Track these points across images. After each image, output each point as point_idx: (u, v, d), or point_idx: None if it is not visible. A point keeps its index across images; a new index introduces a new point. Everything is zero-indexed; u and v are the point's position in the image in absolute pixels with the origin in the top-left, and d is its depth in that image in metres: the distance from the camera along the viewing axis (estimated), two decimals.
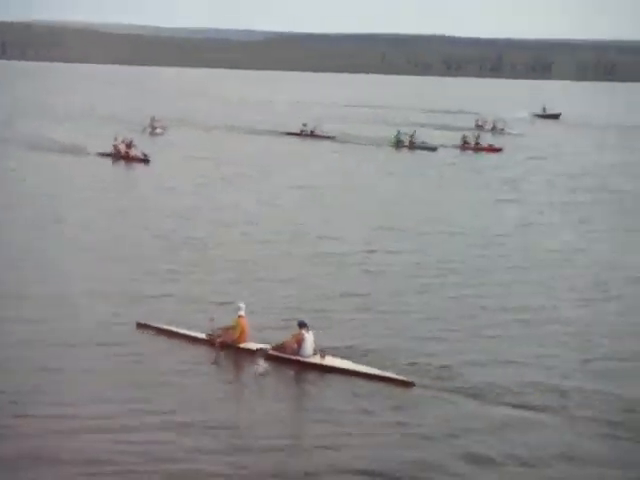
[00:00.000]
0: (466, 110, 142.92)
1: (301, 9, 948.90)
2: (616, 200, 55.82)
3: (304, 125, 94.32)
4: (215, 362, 24.04)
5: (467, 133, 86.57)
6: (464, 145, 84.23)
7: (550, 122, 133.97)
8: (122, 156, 66.62)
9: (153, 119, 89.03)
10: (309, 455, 18.71)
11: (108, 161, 67.36)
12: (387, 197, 55.27)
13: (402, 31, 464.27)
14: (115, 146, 67.25)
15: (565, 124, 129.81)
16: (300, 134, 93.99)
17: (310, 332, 23.37)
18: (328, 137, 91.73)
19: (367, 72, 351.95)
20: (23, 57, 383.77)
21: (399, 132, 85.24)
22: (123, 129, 79.47)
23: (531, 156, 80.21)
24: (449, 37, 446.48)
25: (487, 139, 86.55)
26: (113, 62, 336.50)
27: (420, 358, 24.16)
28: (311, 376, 23.23)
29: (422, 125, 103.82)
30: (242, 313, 24.08)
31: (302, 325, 23.50)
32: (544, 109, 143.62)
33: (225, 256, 36.38)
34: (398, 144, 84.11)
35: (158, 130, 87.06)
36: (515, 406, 21.39)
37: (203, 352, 24.56)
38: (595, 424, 20.45)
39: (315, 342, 23.48)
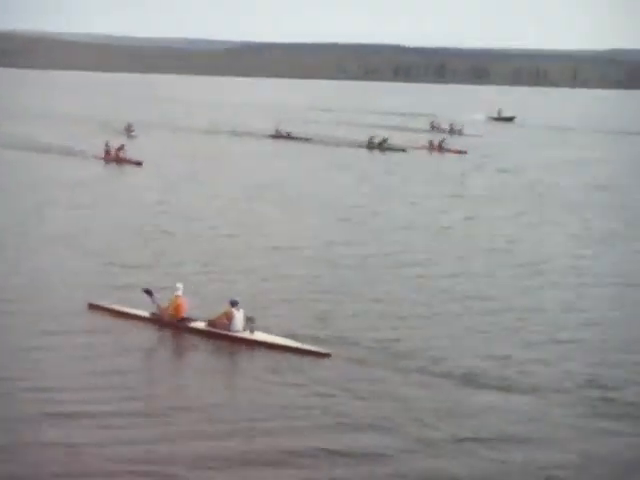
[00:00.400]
0: (420, 112, 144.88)
1: (259, 21, 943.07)
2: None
3: (276, 130, 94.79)
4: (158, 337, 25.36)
5: (432, 136, 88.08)
6: (431, 147, 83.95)
7: (505, 124, 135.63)
8: (114, 158, 66.21)
9: (129, 124, 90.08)
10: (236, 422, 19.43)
11: (101, 163, 67.13)
12: (352, 191, 56.97)
13: (355, 41, 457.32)
14: (107, 149, 67.18)
15: (520, 126, 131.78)
16: (277, 136, 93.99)
17: (240, 310, 24.18)
18: (305, 139, 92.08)
19: (323, 78, 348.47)
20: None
21: (372, 136, 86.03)
22: (100, 131, 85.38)
23: (489, 156, 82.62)
24: (398, 46, 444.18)
25: (448, 141, 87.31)
26: (83, 69, 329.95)
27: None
28: (240, 349, 24.19)
29: (381, 127, 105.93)
30: (179, 293, 25.03)
31: (233, 303, 24.36)
32: (499, 112, 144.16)
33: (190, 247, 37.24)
34: (371, 145, 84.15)
35: (133, 133, 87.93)
36: (420, 371, 22.76)
37: (148, 328, 25.63)
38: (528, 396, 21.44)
39: (246, 319, 24.23)
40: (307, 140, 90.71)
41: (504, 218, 47.82)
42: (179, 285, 25.09)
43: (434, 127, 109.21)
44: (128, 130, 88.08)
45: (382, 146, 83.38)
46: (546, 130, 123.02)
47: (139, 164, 64.70)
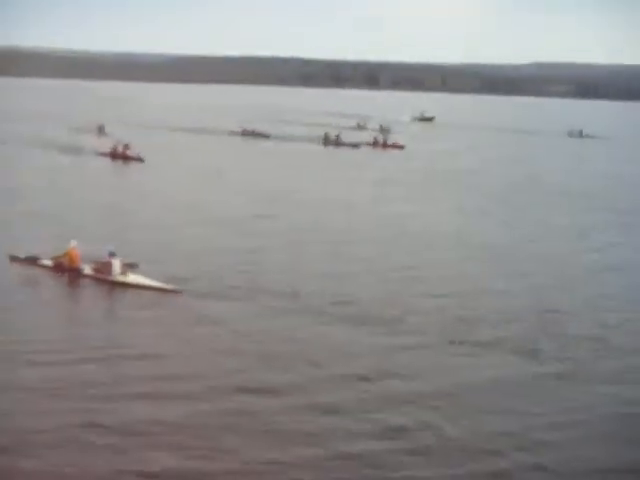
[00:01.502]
0: (348, 114, 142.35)
1: (198, 35, 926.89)
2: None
3: (243, 128, 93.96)
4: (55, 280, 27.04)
5: (377, 134, 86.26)
6: (375, 143, 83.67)
7: (427, 124, 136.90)
8: (120, 155, 64.25)
9: (101, 125, 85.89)
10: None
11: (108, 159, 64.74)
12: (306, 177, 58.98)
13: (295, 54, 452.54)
14: (114, 148, 65.01)
15: (438, 125, 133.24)
16: (243, 133, 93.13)
17: (117, 259, 26.41)
18: (266, 135, 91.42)
19: (266, 85, 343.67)
20: None
21: (327, 132, 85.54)
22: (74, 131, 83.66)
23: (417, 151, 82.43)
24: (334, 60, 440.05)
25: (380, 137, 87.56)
26: (59, 77, 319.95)
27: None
28: (119, 290, 26.04)
29: (328, 125, 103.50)
30: (72, 245, 27.20)
31: (111, 254, 26.57)
32: (422, 114, 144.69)
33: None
34: (326, 142, 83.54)
35: (107, 131, 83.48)
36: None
37: (51, 274, 27.43)
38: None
39: (128, 265, 26.67)
40: (269, 137, 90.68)
41: (403, 198, 50.23)
42: (73, 241, 27.32)
43: (360, 125, 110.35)
44: (100, 130, 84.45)
45: (337, 142, 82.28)
46: (456, 128, 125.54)
47: (142, 160, 62.63)
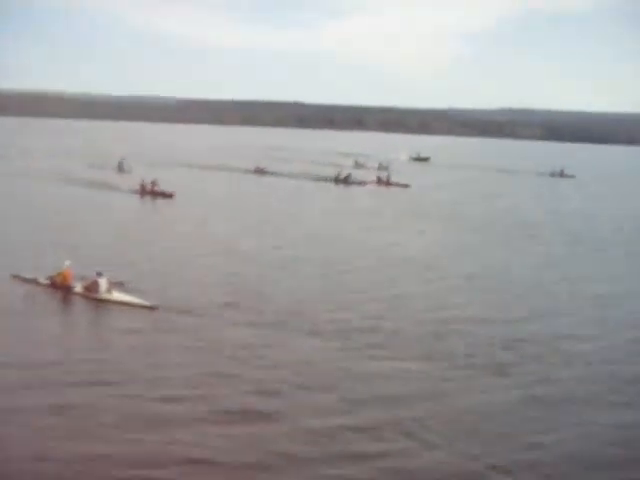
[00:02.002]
0: (344, 152, 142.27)
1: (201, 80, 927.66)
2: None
3: (256, 167, 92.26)
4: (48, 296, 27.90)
5: (380, 172, 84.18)
6: (379, 181, 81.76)
7: (423, 163, 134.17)
8: (148, 192, 61.54)
9: (122, 161, 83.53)
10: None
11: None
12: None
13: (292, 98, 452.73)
14: (142, 185, 62.26)
15: (434, 165, 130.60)
16: (255, 171, 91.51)
17: (104, 278, 27.48)
18: (277, 174, 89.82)
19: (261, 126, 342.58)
20: None
21: (339, 172, 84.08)
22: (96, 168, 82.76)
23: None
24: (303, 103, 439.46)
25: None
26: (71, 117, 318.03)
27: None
28: (104, 307, 26.96)
29: (323, 164, 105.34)
30: (66, 265, 28.36)
31: (98, 274, 27.66)
32: (418, 154, 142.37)
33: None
34: (337, 180, 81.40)
35: (126, 168, 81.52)
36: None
37: (46, 291, 28.40)
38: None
39: (115, 283, 27.81)
40: (282, 175, 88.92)
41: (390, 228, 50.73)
42: (67, 262, 28.43)
43: (358, 164, 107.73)
44: (120, 167, 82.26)
45: (347, 180, 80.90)
46: (452, 167, 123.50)
47: (171, 196, 60.35)
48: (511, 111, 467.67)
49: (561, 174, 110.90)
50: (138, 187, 61.87)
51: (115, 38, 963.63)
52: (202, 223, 48.48)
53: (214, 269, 34.19)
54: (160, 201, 58.62)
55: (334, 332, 24.85)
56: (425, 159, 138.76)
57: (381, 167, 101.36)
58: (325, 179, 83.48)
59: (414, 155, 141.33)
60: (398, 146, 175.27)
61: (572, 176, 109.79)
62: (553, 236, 50.39)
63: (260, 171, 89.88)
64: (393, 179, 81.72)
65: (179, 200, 58.80)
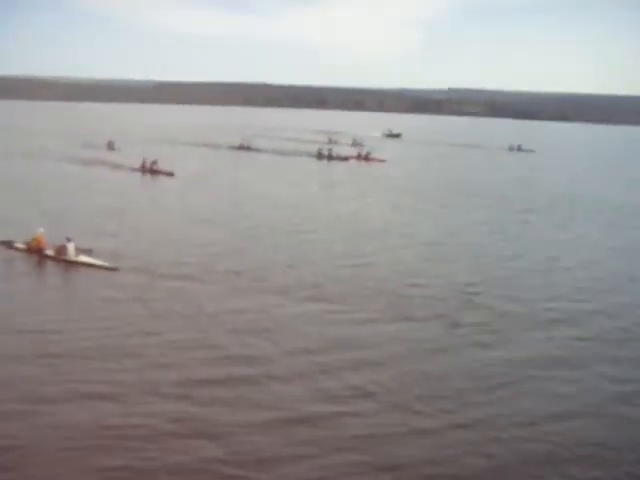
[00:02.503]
0: (317, 130, 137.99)
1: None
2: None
3: (240, 143, 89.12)
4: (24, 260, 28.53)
5: (356, 148, 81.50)
6: (359, 157, 78.57)
7: (395, 140, 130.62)
8: (148, 170, 58.61)
9: (111, 141, 79.81)
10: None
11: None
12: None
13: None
14: (142, 163, 59.30)
15: (405, 141, 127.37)
16: (241, 148, 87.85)
17: (72, 243, 28.24)
18: (260, 150, 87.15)
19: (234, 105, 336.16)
20: None
21: (320, 148, 78.83)
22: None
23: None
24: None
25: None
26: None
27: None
28: (70, 267, 27.72)
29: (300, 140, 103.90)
30: (40, 232, 29.22)
31: (68, 239, 28.45)
32: (390, 130, 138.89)
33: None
34: (320, 156, 78.33)
35: (116, 147, 77.86)
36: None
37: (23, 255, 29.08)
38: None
39: (76, 248, 28.23)
40: (267, 151, 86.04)
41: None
42: (41, 229, 29.40)
43: (331, 141, 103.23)
44: (110, 146, 78.56)
45: (330, 156, 77.98)
46: (422, 143, 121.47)
47: (172, 174, 57.21)
48: (458, 90, 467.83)
49: (518, 148, 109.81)
50: (138, 166, 58.90)
51: (92, 27, 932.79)
52: (191, 196, 46.86)
53: (190, 236, 33.92)
54: (161, 178, 56.06)
55: (295, 292, 24.72)
56: (397, 135, 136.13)
57: (355, 143, 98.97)
58: (309, 154, 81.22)
59: (386, 132, 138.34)
60: (360, 123, 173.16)
61: (531, 150, 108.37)
62: (507, 203, 50.19)
63: (245, 147, 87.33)
64: (372, 155, 79.63)
65: (180, 179, 55.77)
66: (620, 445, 15.18)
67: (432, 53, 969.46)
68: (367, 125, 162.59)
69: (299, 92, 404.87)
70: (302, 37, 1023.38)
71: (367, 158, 78.57)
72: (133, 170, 58.89)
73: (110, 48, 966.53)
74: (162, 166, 58.10)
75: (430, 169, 74.02)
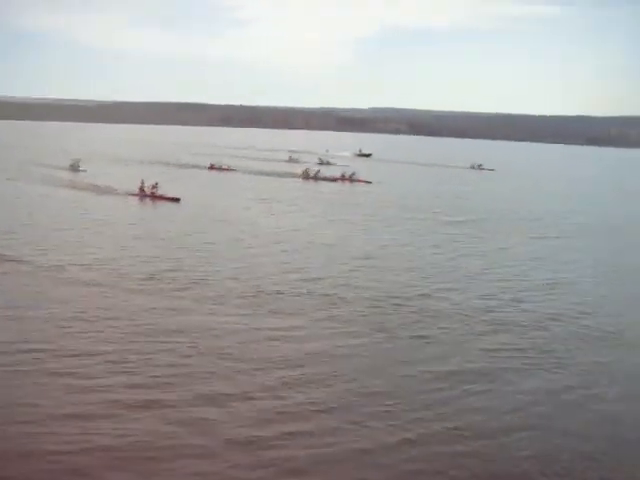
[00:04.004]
0: (272, 149, 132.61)
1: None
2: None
3: (211, 164, 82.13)
4: None
5: (343, 170, 75.21)
6: (343, 177, 72.45)
7: (365, 159, 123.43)
8: (149, 195, 50.07)
9: (76, 160, 70.17)
10: None
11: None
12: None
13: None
14: (141, 187, 50.71)
15: (376, 160, 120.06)
16: (211, 168, 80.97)
17: None
18: (233, 170, 80.00)
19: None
20: None
21: (307, 168, 73.55)
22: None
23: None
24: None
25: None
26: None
27: None
28: None
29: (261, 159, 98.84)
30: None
31: None
32: (360, 150, 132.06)
33: None
34: (306, 176, 72.15)
35: (81, 168, 68.51)
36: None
37: None
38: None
39: None
40: (236, 171, 79.37)
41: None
42: None
43: (292, 159, 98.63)
44: (74, 166, 68.88)
45: (316, 177, 72.28)
46: (392, 162, 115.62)
47: (177, 200, 48.76)
48: (380, 109, 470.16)
49: (479, 167, 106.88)
50: (137, 191, 50.44)
51: (26, 45, 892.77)
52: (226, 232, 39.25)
53: (136, 247, 32.24)
54: (165, 205, 47.48)
55: (232, 298, 23.90)
56: (368, 155, 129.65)
57: (322, 162, 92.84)
58: (293, 175, 75.17)
59: (357, 152, 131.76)
60: (322, 142, 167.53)
61: (492, 169, 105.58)
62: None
63: (216, 168, 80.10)
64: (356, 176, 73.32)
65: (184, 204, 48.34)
66: (553, 458, 13.91)
67: (356, 73, 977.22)
68: (332, 144, 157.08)
69: (234, 111, 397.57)
70: (236, 57, 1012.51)
71: (352, 179, 73.03)
72: (129, 195, 50.42)
73: (49, 67, 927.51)
74: (162, 190, 49.67)
75: (413, 190, 69.07)
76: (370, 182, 71.68)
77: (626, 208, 64.56)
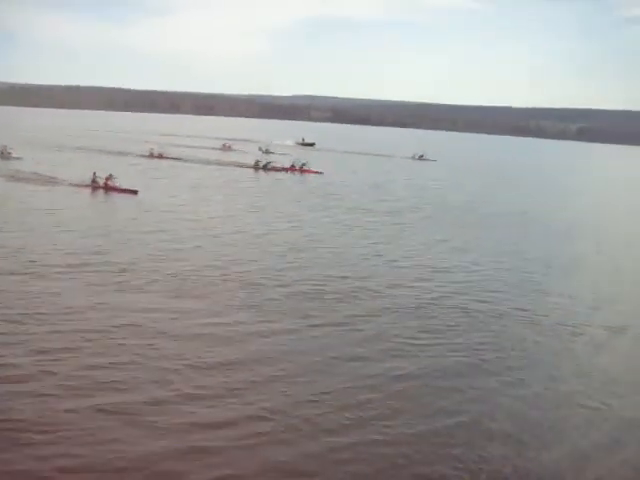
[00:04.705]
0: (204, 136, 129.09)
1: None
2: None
3: (152, 149, 77.76)
4: None
5: (295, 160, 72.24)
6: (292, 168, 70.42)
7: (309, 148, 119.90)
8: (103, 187, 46.05)
9: (5, 146, 64.41)
10: None
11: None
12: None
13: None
14: (94, 178, 46.63)
15: (319, 150, 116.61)
16: (150, 155, 77.06)
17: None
18: (177, 158, 76.20)
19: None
20: None
21: (257, 160, 72.63)
22: None
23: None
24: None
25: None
26: None
27: None
28: None
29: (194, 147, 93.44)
30: None
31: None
32: (303, 139, 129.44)
33: None
34: (256, 166, 70.03)
35: (13, 154, 63.23)
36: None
37: None
38: None
39: None
40: (180, 160, 75.42)
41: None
42: None
43: (225, 147, 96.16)
44: (3, 154, 63.16)
45: (266, 167, 69.58)
46: (336, 152, 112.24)
47: (134, 193, 44.85)
48: (303, 97, 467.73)
49: (421, 158, 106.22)
50: (88, 182, 46.22)
51: None
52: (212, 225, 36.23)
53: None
54: (122, 197, 43.54)
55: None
56: (311, 144, 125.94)
57: (263, 151, 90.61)
58: (242, 165, 71.78)
59: (300, 141, 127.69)
60: (262, 131, 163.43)
61: (434, 160, 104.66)
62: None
63: (158, 156, 76.26)
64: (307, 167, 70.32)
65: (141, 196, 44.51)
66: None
67: (280, 61, 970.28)
68: (273, 132, 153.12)
69: (156, 97, 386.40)
70: (158, 44, 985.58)
71: (302, 170, 70.10)
72: (79, 187, 45.84)
73: None
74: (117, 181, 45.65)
75: (363, 180, 67.32)
76: (321, 172, 69.70)
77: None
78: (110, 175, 46.26)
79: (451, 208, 50.73)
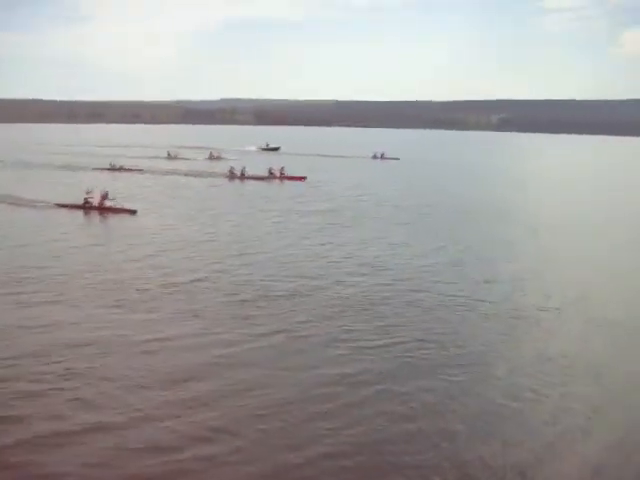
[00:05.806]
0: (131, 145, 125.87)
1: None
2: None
3: (111, 164, 72.71)
4: None
5: (273, 166, 67.44)
6: (271, 175, 66.03)
7: (273, 153, 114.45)
8: (97, 208, 41.11)
9: None
10: None
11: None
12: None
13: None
14: (87, 198, 41.60)
15: (284, 154, 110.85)
16: (111, 168, 71.79)
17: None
18: (139, 170, 71.76)
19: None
20: None
21: (232, 167, 67.94)
22: None
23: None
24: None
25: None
26: None
27: None
28: None
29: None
30: None
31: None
32: (267, 144, 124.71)
33: None
34: (232, 176, 65.58)
35: None
36: None
37: None
38: None
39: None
40: (142, 171, 71.25)
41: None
42: None
43: (170, 156, 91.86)
44: None
45: (243, 176, 65.28)
46: (301, 155, 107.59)
47: (133, 213, 40.54)
48: (228, 100, 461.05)
49: (382, 157, 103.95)
50: (82, 202, 41.24)
51: None
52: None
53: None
54: (120, 218, 38.91)
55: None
56: (276, 149, 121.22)
57: (212, 157, 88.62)
58: (215, 175, 67.21)
59: (264, 145, 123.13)
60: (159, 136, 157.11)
61: (395, 158, 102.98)
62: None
63: (116, 169, 70.68)
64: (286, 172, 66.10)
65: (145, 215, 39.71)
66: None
67: (204, 65, 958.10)
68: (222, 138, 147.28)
69: (73, 106, 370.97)
70: (74, 53, 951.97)
71: (283, 176, 65.09)
72: (70, 208, 40.94)
73: None
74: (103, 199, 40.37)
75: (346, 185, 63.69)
76: (305, 177, 65.47)
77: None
78: (105, 193, 41.14)
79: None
